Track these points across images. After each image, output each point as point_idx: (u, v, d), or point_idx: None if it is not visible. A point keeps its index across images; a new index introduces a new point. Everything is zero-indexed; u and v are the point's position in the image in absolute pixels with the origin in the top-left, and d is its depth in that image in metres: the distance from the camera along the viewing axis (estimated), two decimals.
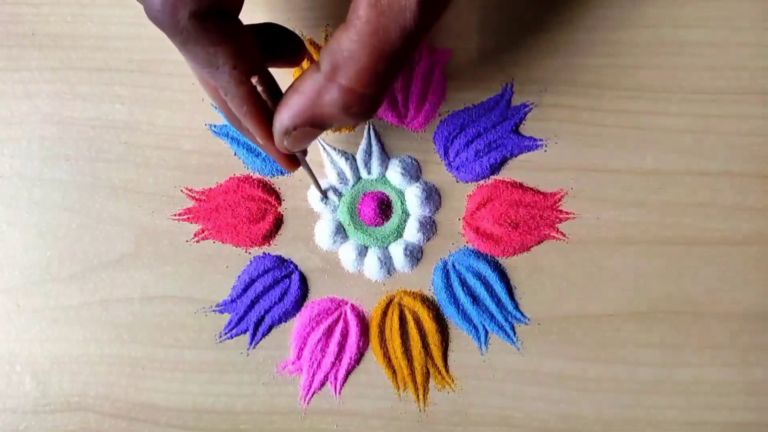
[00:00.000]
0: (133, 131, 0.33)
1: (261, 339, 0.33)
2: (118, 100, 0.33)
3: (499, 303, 0.33)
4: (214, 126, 0.33)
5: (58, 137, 0.33)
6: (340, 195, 0.33)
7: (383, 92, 0.23)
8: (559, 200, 0.33)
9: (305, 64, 0.33)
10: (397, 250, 0.33)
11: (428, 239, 0.33)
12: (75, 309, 0.33)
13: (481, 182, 0.33)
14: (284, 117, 0.24)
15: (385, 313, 0.33)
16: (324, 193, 0.33)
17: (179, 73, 0.33)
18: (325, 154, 0.33)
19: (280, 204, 0.33)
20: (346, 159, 0.33)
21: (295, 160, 0.28)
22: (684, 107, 0.33)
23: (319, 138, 0.33)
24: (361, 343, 0.33)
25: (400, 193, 0.33)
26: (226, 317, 0.33)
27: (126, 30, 0.33)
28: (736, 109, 0.33)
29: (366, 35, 0.22)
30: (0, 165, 0.33)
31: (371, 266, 0.33)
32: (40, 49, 0.33)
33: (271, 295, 0.33)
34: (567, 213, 0.33)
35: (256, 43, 0.24)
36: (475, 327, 0.33)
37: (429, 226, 0.33)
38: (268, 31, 0.26)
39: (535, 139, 0.33)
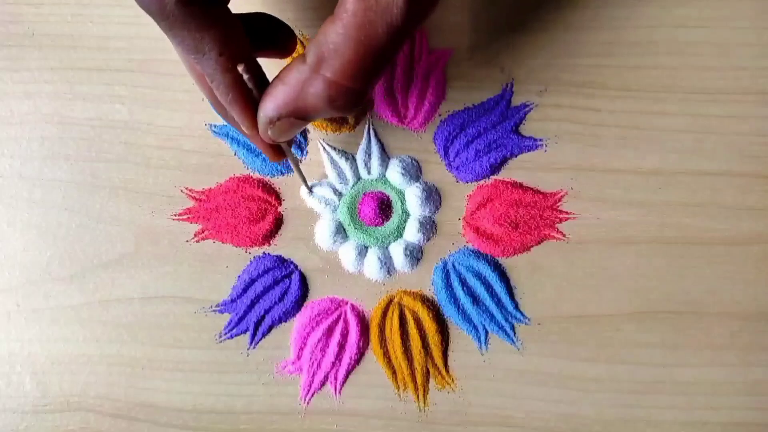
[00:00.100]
0: (133, 131, 0.33)
1: (261, 339, 0.33)
2: (118, 100, 0.33)
3: (499, 303, 0.33)
4: (214, 126, 0.33)
5: (58, 137, 0.33)
6: (340, 195, 0.33)
7: (368, 86, 0.23)
8: (559, 200, 0.33)
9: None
10: (397, 250, 0.33)
11: (428, 239, 0.33)
12: (75, 309, 0.33)
13: (481, 182, 0.33)
14: (268, 107, 0.24)
15: (385, 313, 0.33)
16: (309, 187, 0.33)
17: (179, 73, 0.33)
18: (325, 154, 0.33)
19: (280, 204, 0.33)
20: (346, 159, 0.33)
21: (280, 151, 0.28)
22: (684, 107, 0.33)
23: (319, 138, 0.33)
24: (361, 343, 0.33)
25: (400, 193, 0.33)
26: (226, 317, 0.33)
27: (126, 30, 0.33)
28: (736, 109, 0.33)
29: (352, 29, 0.22)
30: (0, 165, 0.33)
31: (371, 266, 0.33)
32: (40, 49, 0.33)
33: (271, 295, 0.33)
34: (567, 213, 0.33)
35: (243, 31, 0.24)
36: (475, 327, 0.33)
37: (429, 226, 0.33)
38: (259, 20, 0.26)
39: (535, 139, 0.33)
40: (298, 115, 0.24)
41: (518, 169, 0.33)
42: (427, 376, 0.33)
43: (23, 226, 0.33)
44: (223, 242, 0.33)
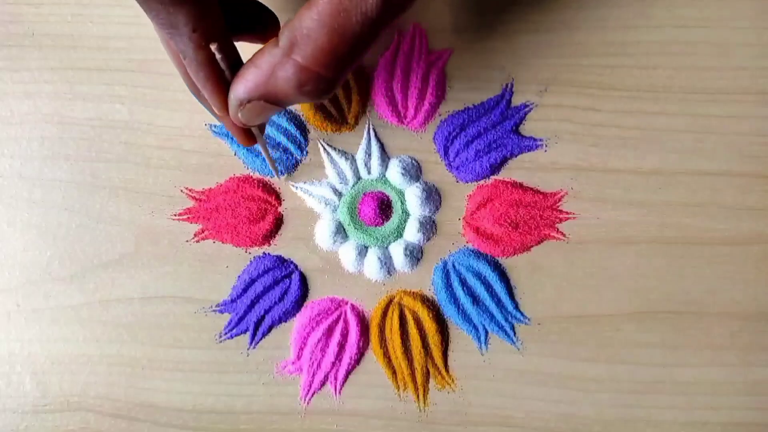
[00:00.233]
0: (133, 131, 0.33)
1: (261, 339, 0.33)
2: (118, 100, 0.33)
3: (499, 303, 0.33)
4: (214, 126, 0.33)
5: (58, 137, 0.33)
6: (340, 195, 0.33)
7: (339, 75, 0.23)
8: (559, 200, 0.33)
9: None
10: (397, 250, 0.33)
11: (428, 239, 0.33)
12: (75, 309, 0.33)
13: (481, 182, 0.33)
14: (239, 89, 0.24)
15: (385, 313, 0.33)
16: (277, 171, 0.33)
17: (179, 73, 0.33)
18: (325, 154, 0.33)
19: (280, 204, 0.33)
20: (346, 159, 0.33)
21: (251, 135, 0.28)
22: (684, 107, 0.33)
23: (319, 138, 0.33)
24: (361, 343, 0.33)
25: (400, 193, 0.33)
26: (226, 317, 0.33)
27: (126, 30, 0.33)
28: (736, 109, 0.33)
29: (326, 15, 0.22)
30: (0, 165, 0.33)
31: (371, 266, 0.33)
32: (40, 49, 0.33)
33: (271, 295, 0.33)
34: (567, 213, 0.33)
35: (220, 10, 0.24)
36: (475, 327, 0.33)
37: (429, 226, 0.33)
38: (243, 3, 0.26)
39: (535, 139, 0.33)
40: (269, 99, 0.24)
41: (518, 169, 0.33)
42: (427, 376, 0.33)
43: (23, 226, 0.33)
44: (223, 242, 0.33)
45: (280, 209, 0.33)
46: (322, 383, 0.33)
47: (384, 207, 0.33)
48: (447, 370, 0.33)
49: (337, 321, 0.33)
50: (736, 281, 0.33)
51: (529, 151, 0.33)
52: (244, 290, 0.33)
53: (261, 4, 0.27)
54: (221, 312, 0.33)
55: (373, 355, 0.33)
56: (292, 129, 0.33)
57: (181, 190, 0.33)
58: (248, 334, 0.33)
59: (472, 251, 0.33)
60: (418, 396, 0.33)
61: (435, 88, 0.33)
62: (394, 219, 0.33)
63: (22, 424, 0.33)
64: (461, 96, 0.33)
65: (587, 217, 0.33)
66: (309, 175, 0.33)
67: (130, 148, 0.33)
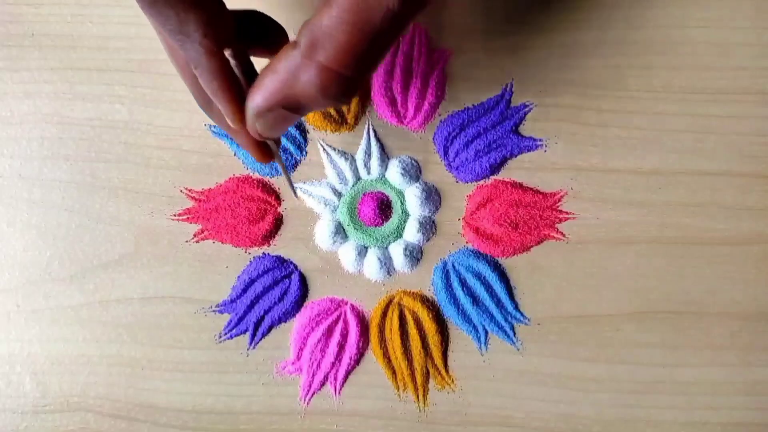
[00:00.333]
0: (133, 131, 0.33)
1: (261, 339, 0.33)
2: (118, 100, 0.33)
3: (499, 303, 0.33)
4: (214, 126, 0.33)
5: (58, 137, 0.33)
6: (339, 195, 0.33)
7: (363, 75, 0.22)
8: (559, 200, 0.33)
9: None
10: (396, 251, 0.33)
11: (428, 239, 0.33)
12: (75, 309, 0.33)
13: (481, 182, 0.33)
14: (257, 97, 0.22)
15: (384, 314, 0.33)
16: (294, 190, 0.32)
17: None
18: (325, 155, 0.33)
19: (279, 204, 0.33)
20: (346, 159, 0.33)
21: (268, 150, 0.27)
22: (684, 107, 0.33)
23: (318, 138, 0.33)
24: (361, 343, 0.33)
25: (400, 193, 0.33)
26: (226, 317, 0.33)
27: (126, 30, 0.33)
28: (736, 109, 0.33)
29: (348, 12, 0.21)
30: (0, 165, 0.33)
31: (371, 266, 0.33)
32: (40, 49, 0.33)
33: (270, 296, 0.33)
34: (567, 213, 0.33)
35: (231, 17, 0.23)
36: (475, 327, 0.33)
37: (429, 226, 0.33)
38: (250, 17, 0.25)
39: (535, 139, 0.33)
40: (289, 106, 0.22)
41: (518, 169, 0.33)
42: (426, 376, 0.33)
43: (23, 226, 0.33)
44: (222, 242, 0.33)
45: (279, 209, 0.33)
46: (322, 383, 0.33)
47: (384, 207, 0.33)
48: (447, 371, 0.33)
49: (336, 321, 0.33)
50: (736, 281, 0.33)
51: (528, 151, 0.33)
52: (244, 290, 0.33)
53: (268, 16, 0.26)
54: (221, 312, 0.33)
55: (372, 355, 0.33)
56: (292, 129, 0.33)
57: (181, 191, 0.33)
58: (248, 335, 0.33)
59: (472, 251, 0.33)
60: (417, 396, 0.33)
61: (435, 88, 0.33)
62: (394, 219, 0.33)
63: (22, 424, 0.33)
64: (461, 96, 0.33)
65: (587, 217, 0.33)
66: (308, 175, 0.33)
67: (130, 148, 0.33)
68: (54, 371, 0.33)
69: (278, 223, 0.33)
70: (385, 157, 0.33)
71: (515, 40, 0.33)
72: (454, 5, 0.33)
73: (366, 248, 0.33)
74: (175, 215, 0.33)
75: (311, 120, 0.33)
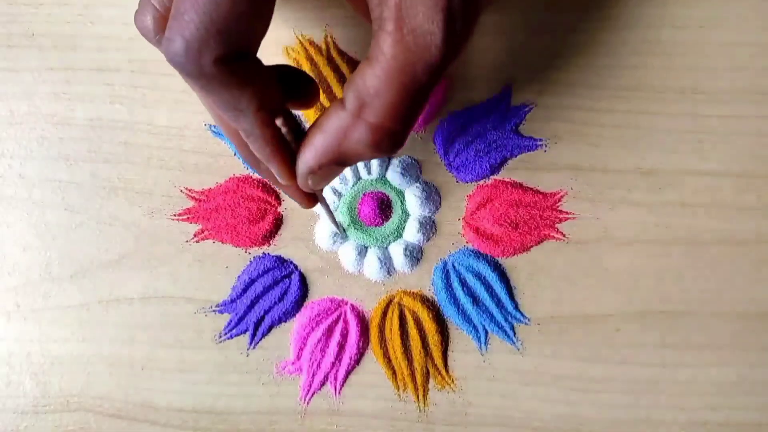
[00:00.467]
0: (133, 131, 0.33)
1: (261, 339, 0.33)
2: (118, 100, 0.33)
3: (499, 303, 0.33)
4: (214, 126, 0.33)
5: (58, 137, 0.33)
6: (340, 195, 0.33)
7: (410, 126, 0.23)
8: (559, 200, 0.33)
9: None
10: (397, 250, 0.33)
11: (428, 239, 0.33)
12: (75, 309, 0.33)
13: (481, 182, 0.33)
14: (309, 157, 0.24)
15: (385, 313, 0.33)
16: (343, 229, 0.33)
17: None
18: None
19: (280, 204, 0.33)
20: None
21: (313, 197, 0.28)
22: (684, 107, 0.33)
23: None
24: (361, 343, 0.33)
25: (400, 193, 0.33)
26: (226, 317, 0.33)
27: (126, 30, 0.33)
28: (736, 109, 0.33)
29: (392, 72, 0.22)
30: (0, 165, 0.33)
31: (371, 266, 0.33)
32: (40, 49, 0.33)
33: (271, 295, 0.33)
34: (567, 213, 0.33)
35: (278, 84, 0.24)
36: (475, 327, 0.33)
37: (429, 226, 0.33)
38: (283, 72, 0.26)
39: (535, 139, 0.33)
40: (339, 162, 0.24)
41: (518, 169, 0.33)
42: (427, 376, 0.33)
43: (23, 226, 0.33)
44: (222, 242, 0.33)
45: (279, 209, 0.33)
46: (322, 383, 0.33)
47: (384, 207, 0.33)
48: (447, 370, 0.33)
49: (336, 321, 0.33)
50: (736, 281, 0.33)
51: (529, 151, 0.33)
52: (244, 290, 0.33)
53: (300, 70, 0.27)
54: (221, 312, 0.33)
55: (373, 355, 0.33)
56: None
57: (181, 190, 0.33)
58: (248, 335, 0.33)
59: (472, 251, 0.33)
60: (417, 396, 0.33)
61: (435, 88, 0.33)
62: (394, 219, 0.33)
63: (22, 424, 0.33)
64: (461, 96, 0.33)
65: (587, 217, 0.33)
66: None
67: (130, 148, 0.33)
68: (54, 371, 0.33)
69: (278, 223, 0.33)
70: (385, 156, 0.33)
71: (515, 41, 0.33)
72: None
73: (366, 248, 0.33)
74: (175, 215, 0.33)
75: (312, 120, 0.33)
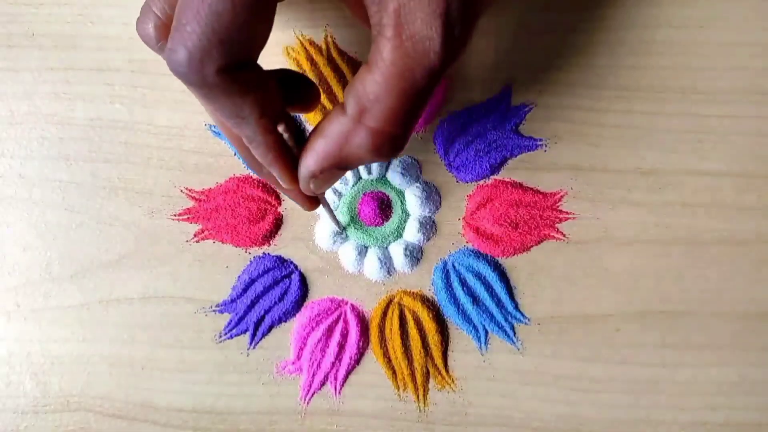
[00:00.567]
0: (133, 131, 0.33)
1: (261, 339, 0.33)
2: (118, 100, 0.33)
3: (499, 303, 0.33)
4: (214, 126, 0.33)
5: (58, 137, 0.33)
6: (340, 195, 0.33)
7: (410, 130, 0.24)
8: (559, 200, 0.33)
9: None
10: (397, 250, 0.33)
11: (428, 239, 0.33)
12: (75, 309, 0.33)
13: (481, 182, 0.33)
14: (310, 162, 0.24)
15: (385, 313, 0.33)
16: (343, 228, 0.33)
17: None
18: None
19: (280, 204, 0.33)
20: None
21: (315, 200, 0.29)
22: (684, 107, 0.33)
23: None
24: (361, 343, 0.33)
25: (400, 193, 0.33)
26: (226, 317, 0.33)
27: (126, 30, 0.33)
28: (736, 109, 0.33)
29: (392, 78, 0.22)
30: (0, 165, 0.33)
31: (371, 266, 0.33)
32: (40, 49, 0.33)
33: (271, 295, 0.33)
34: (567, 213, 0.33)
35: (279, 91, 0.24)
36: (475, 327, 0.33)
37: (429, 226, 0.33)
38: (283, 76, 0.26)
39: (535, 139, 0.33)
40: (341, 166, 0.24)
41: (518, 169, 0.33)
42: (427, 376, 0.33)
43: (23, 226, 0.33)
44: (223, 242, 0.33)
45: (279, 209, 0.33)
46: (322, 383, 0.33)
47: (384, 207, 0.33)
48: (447, 370, 0.33)
49: (337, 321, 0.33)
50: (736, 281, 0.33)
51: (529, 151, 0.33)
52: (244, 290, 0.33)
53: (303, 75, 0.27)
54: (221, 312, 0.33)
55: (373, 355, 0.33)
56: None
57: (181, 190, 0.33)
58: (248, 334, 0.33)
59: (472, 251, 0.33)
60: (418, 396, 0.33)
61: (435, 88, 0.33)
62: (394, 219, 0.33)
63: (22, 424, 0.33)
64: (461, 96, 0.33)
65: (587, 217, 0.33)
66: None
67: (130, 148, 0.33)
68: (54, 371, 0.33)
69: (278, 223, 0.33)
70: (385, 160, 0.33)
71: (515, 41, 0.33)
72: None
73: (366, 248, 0.33)
74: (175, 215, 0.33)
75: (312, 120, 0.33)
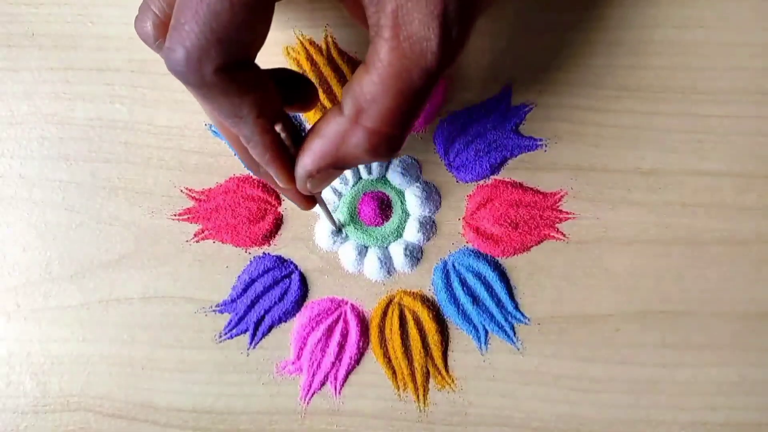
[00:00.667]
0: (133, 131, 0.33)
1: (261, 339, 0.33)
2: (118, 100, 0.33)
3: (499, 303, 0.33)
4: (214, 126, 0.33)
5: (58, 137, 0.33)
6: (340, 195, 0.33)
7: (407, 131, 0.24)
8: (559, 200, 0.33)
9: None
10: (397, 250, 0.33)
11: (428, 239, 0.33)
12: (75, 309, 0.33)
13: (481, 182, 0.33)
14: (307, 161, 0.24)
15: (385, 313, 0.33)
16: (339, 228, 0.33)
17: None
18: None
19: (280, 204, 0.33)
20: None
21: (312, 199, 0.29)
22: (684, 107, 0.33)
23: None
24: (361, 343, 0.33)
25: (400, 193, 0.33)
26: (226, 317, 0.33)
27: (126, 30, 0.33)
28: (736, 109, 0.33)
29: (389, 78, 0.22)
30: (0, 165, 0.33)
31: (371, 266, 0.33)
32: (40, 49, 0.33)
33: (271, 295, 0.33)
34: (567, 213, 0.33)
35: (277, 91, 0.24)
36: (475, 327, 0.33)
37: (429, 226, 0.33)
38: (282, 76, 0.26)
39: (535, 139, 0.33)
40: (337, 166, 0.24)
41: (518, 169, 0.33)
42: (427, 376, 0.33)
43: (23, 226, 0.33)
44: (223, 242, 0.33)
45: (279, 209, 0.33)
46: (322, 383, 0.33)
47: (384, 207, 0.33)
48: (447, 370, 0.33)
49: (337, 321, 0.33)
50: (736, 281, 0.33)
51: (529, 151, 0.33)
52: (244, 290, 0.33)
53: (301, 74, 0.27)
54: (221, 312, 0.33)
55: (373, 355, 0.33)
56: None
57: (181, 190, 0.33)
58: (248, 334, 0.33)
59: (472, 251, 0.33)
60: (418, 396, 0.33)
61: (435, 88, 0.33)
62: (394, 219, 0.33)
63: (22, 424, 0.33)
64: (461, 96, 0.33)
65: (587, 217, 0.33)
66: None
67: (130, 148, 0.33)
68: (54, 371, 0.33)
69: (278, 222, 0.33)
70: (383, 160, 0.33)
71: (515, 40, 0.33)
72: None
73: (366, 248, 0.33)
74: (175, 215, 0.33)
75: (311, 120, 0.33)
